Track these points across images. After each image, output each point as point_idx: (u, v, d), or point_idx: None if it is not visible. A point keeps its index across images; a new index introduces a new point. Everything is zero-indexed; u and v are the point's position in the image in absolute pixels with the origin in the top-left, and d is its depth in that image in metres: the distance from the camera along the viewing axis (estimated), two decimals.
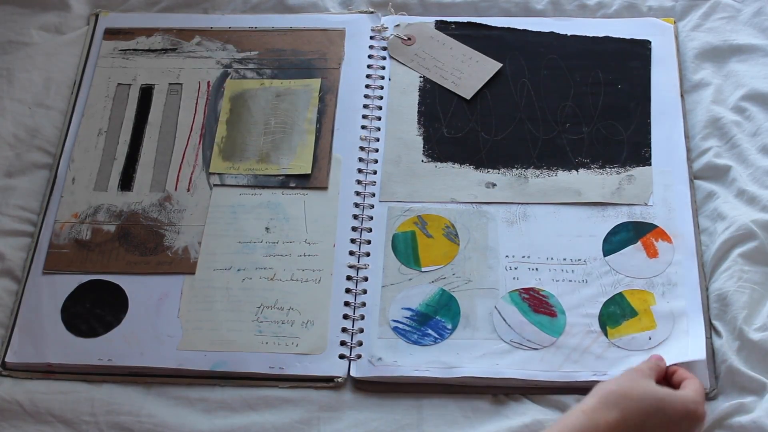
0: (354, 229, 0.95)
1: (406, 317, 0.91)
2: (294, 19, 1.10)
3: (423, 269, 0.93)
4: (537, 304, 0.90)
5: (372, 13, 1.09)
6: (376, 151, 1.00)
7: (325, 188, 0.98)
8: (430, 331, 0.90)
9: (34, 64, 1.06)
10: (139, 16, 1.11)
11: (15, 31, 1.09)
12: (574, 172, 0.98)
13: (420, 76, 1.05)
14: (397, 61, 1.06)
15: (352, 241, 0.94)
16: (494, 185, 0.97)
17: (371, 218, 0.96)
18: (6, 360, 0.90)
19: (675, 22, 1.06)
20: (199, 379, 0.88)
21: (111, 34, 1.09)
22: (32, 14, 1.10)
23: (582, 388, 0.84)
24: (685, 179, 0.95)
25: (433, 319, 0.90)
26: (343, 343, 0.89)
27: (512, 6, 1.09)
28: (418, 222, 0.96)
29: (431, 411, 0.85)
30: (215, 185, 0.99)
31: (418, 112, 1.03)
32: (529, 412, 0.84)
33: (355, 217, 0.96)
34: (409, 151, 1.01)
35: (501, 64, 1.05)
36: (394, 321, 0.90)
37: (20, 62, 1.06)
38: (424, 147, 1.01)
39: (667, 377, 0.83)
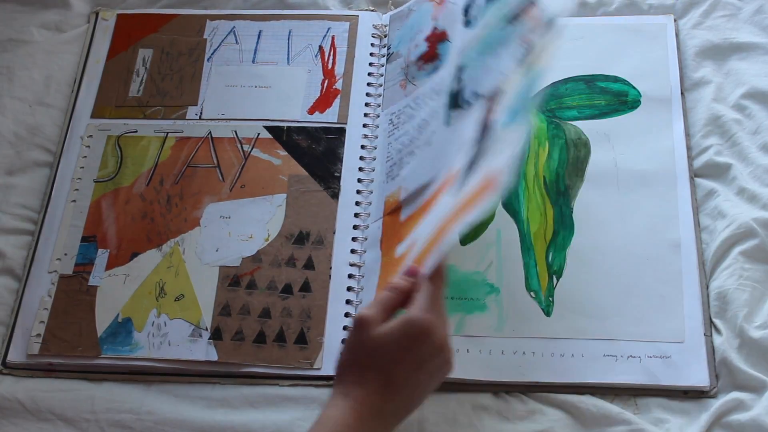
0: (355, 227, 0.95)
1: None
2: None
3: None
4: None
5: (373, 11, 1.09)
6: (376, 149, 0.99)
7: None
8: None
9: (35, 62, 1.06)
10: None
11: (15, 29, 1.09)
12: None
13: None
14: None
15: (353, 239, 0.94)
16: None
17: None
18: (7, 358, 0.90)
19: (676, 20, 1.06)
20: (199, 377, 0.88)
21: None
22: (33, 12, 1.10)
23: (582, 387, 0.84)
24: (686, 177, 0.95)
25: None
26: (344, 341, 0.89)
27: None
28: None
29: (432, 409, 0.85)
30: None
31: None
32: (529, 410, 0.84)
33: (356, 215, 0.96)
34: None
35: None
36: None
37: (21, 60, 1.06)
38: None
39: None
